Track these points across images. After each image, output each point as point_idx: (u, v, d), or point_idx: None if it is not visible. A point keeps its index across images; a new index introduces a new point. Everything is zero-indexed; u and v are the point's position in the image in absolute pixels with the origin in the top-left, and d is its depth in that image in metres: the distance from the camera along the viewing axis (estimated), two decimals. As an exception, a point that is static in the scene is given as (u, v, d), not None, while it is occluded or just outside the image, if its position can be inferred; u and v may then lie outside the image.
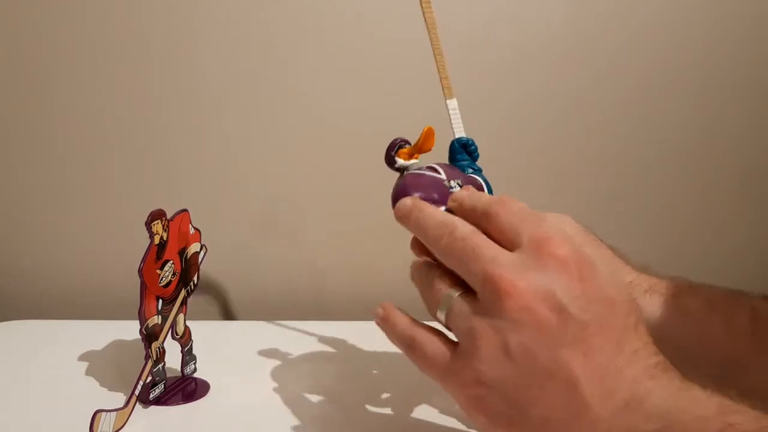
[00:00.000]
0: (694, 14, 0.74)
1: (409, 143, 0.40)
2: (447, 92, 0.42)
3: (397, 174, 0.40)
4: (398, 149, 0.39)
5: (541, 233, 0.30)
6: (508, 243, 0.31)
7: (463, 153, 0.43)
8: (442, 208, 0.36)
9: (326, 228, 0.78)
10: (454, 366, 0.31)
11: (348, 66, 0.73)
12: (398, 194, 0.37)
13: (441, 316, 0.32)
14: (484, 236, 0.32)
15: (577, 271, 0.29)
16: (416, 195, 0.36)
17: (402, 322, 0.34)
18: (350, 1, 0.72)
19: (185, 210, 0.50)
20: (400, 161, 0.39)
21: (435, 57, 0.41)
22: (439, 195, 0.37)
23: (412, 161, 0.39)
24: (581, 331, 0.28)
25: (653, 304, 0.40)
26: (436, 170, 0.39)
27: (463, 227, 0.32)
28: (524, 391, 0.28)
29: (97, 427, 0.43)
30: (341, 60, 0.73)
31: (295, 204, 0.77)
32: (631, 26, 0.74)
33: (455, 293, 0.32)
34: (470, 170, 0.42)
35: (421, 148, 0.39)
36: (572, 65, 0.74)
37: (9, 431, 0.46)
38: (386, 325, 0.35)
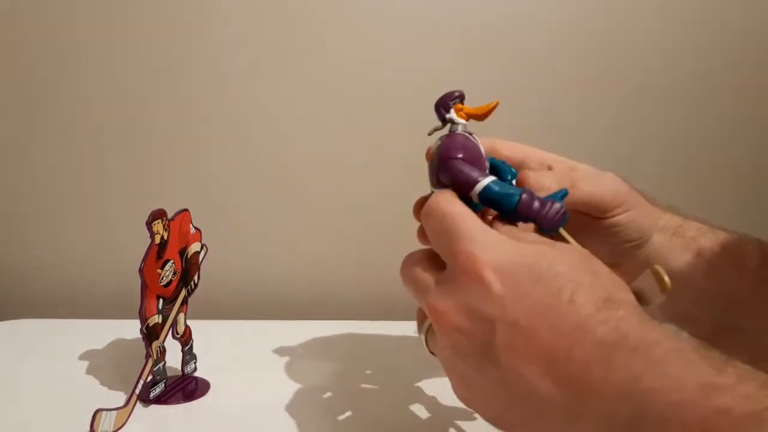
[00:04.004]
0: (695, 14, 0.74)
1: (464, 96, 0.38)
2: None
3: (438, 123, 0.38)
4: (455, 102, 0.37)
5: (454, 250, 0.31)
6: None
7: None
8: (484, 180, 0.34)
9: (327, 228, 0.78)
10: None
11: (348, 69, 0.73)
12: (449, 150, 0.35)
13: (422, 337, 0.35)
14: (420, 268, 0.34)
15: (495, 275, 0.29)
16: (460, 156, 0.35)
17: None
18: (350, 6, 0.72)
19: (186, 210, 0.50)
20: (453, 115, 0.37)
21: None
22: (480, 167, 0.36)
23: (463, 121, 0.37)
24: (512, 329, 0.28)
25: (674, 247, 0.42)
26: (476, 142, 0.37)
27: (410, 257, 0.35)
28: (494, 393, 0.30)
29: (98, 425, 0.43)
30: (343, 63, 0.73)
31: (295, 204, 0.77)
32: (631, 27, 0.74)
33: (427, 324, 0.34)
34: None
35: (480, 116, 0.37)
36: (571, 67, 0.75)
37: (9, 430, 0.46)
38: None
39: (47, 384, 0.53)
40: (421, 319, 0.35)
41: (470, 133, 0.37)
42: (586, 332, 0.26)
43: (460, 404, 0.49)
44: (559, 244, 0.31)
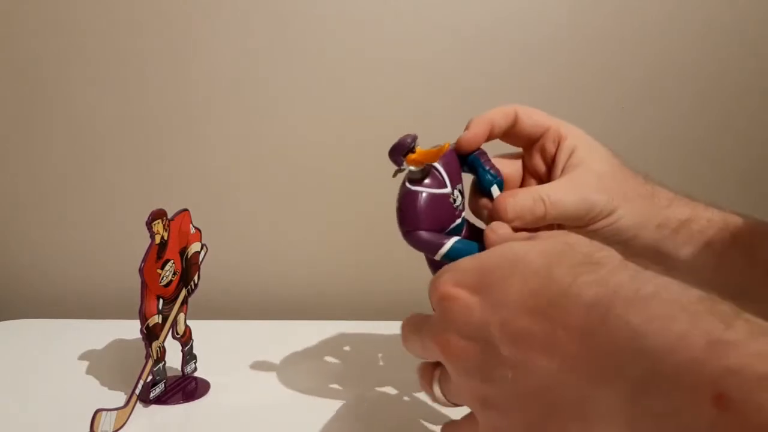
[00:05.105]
0: (696, 11, 0.74)
1: (417, 138, 0.39)
2: None
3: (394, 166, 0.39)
4: (408, 152, 0.38)
5: (431, 290, 0.32)
6: None
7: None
8: (444, 248, 0.37)
9: (326, 227, 0.78)
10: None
11: (348, 67, 0.73)
12: (410, 223, 0.37)
13: (437, 392, 0.35)
14: (417, 319, 0.34)
15: (462, 287, 0.30)
16: (420, 226, 0.37)
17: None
18: (350, 4, 0.72)
19: (186, 210, 0.50)
20: (406, 166, 0.38)
21: None
22: (446, 218, 0.38)
23: (418, 168, 0.39)
24: (504, 325, 0.28)
25: (676, 241, 0.41)
26: (440, 177, 0.38)
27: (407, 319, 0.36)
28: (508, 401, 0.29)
29: (98, 426, 0.43)
30: (342, 61, 0.73)
31: (296, 204, 0.77)
32: (631, 27, 0.74)
33: (437, 372, 0.34)
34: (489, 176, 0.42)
35: (432, 160, 0.38)
36: (574, 66, 0.75)
37: (9, 430, 0.46)
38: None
39: (47, 384, 0.53)
40: (426, 376, 0.35)
41: (430, 176, 0.38)
42: (575, 297, 0.26)
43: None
44: (530, 239, 0.32)
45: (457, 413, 0.38)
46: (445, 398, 0.34)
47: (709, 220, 0.42)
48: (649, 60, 0.75)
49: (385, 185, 0.40)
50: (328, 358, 0.59)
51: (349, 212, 0.77)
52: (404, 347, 0.35)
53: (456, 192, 0.39)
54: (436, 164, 0.38)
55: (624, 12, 0.73)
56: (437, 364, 0.34)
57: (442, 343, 0.31)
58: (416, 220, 0.37)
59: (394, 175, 0.39)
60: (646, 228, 0.42)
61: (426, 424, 0.47)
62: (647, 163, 0.45)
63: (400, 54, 0.73)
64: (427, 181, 0.38)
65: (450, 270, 0.32)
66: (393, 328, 0.66)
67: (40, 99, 0.73)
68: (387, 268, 0.77)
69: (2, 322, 0.68)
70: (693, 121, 0.77)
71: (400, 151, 0.38)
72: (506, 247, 0.31)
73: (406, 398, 0.51)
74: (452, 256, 0.36)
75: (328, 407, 0.49)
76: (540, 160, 0.44)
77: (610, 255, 0.28)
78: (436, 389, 0.34)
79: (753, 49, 0.75)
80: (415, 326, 0.34)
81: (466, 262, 0.32)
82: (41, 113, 0.73)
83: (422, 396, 0.51)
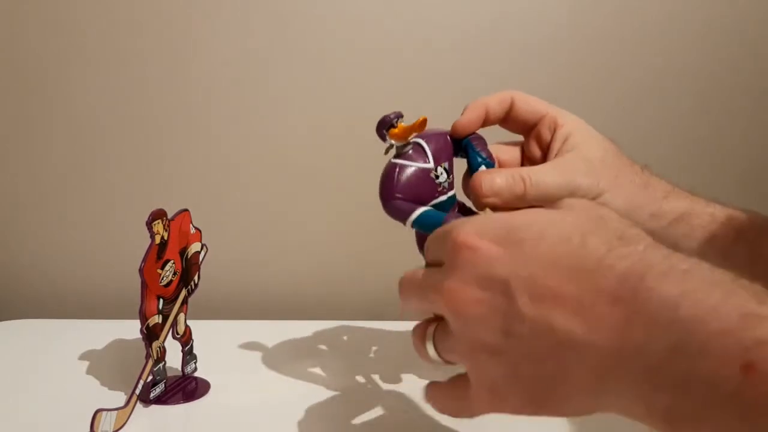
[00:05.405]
0: (697, 10, 0.74)
1: (401, 116, 0.40)
2: None
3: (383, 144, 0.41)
4: (390, 128, 0.40)
5: (442, 239, 0.31)
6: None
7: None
8: (412, 216, 0.38)
9: (326, 227, 0.78)
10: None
11: (348, 67, 0.73)
12: (387, 192, 0.39)
13: (430, 349, 0.34)
14: (420, 272, 0.33)
15: (488, 240, 0.29)
16: (397, 196, 0.39)
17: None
18: (350, 4, 0.72)
19: (186, 210, 0.50)
20: (390, 141, 0.41)
21: None
22: (426, 192, 0.40)
23: (401, 142, 0.41)
24: (529, 281, 0.27)
25: (675, 234, 0.41)
26: (424, 153, 0.40)
27: (408, 273, 0.35)
28: (519, 360, 0.28)
29: (98, 426, 0.43)
30: (342, 61, 0.73)
31: (295, 203, 0.77)
32: (631, 27, 0.74)
33: (431, 328, 0.33)
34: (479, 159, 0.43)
35: (415, 130, 0.40)
36: (574, 66, 0.75)
37: (9, 430, 0.46)
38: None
39: (47, 384, 0.53)
40: (420, 332, 0.34)
41: (413, 149, 0.41)
42: (609, 268, 0.26)
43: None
44: (558, 207, 0.31)
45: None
46: (439, 356, 0.33)
47: (711, 215, 0.42)
48: (649, 60, 0.75)
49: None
50: (329, 358, 0.59)
51: (349, 212, 0.77)
52: (402, 303, 0.34)
53: (440, 169, 0.41)
54: (422, 142, 0.41)
55: (624, 12, 0.73)
56: (431, 322, 0.33)
57: (451, 291, 0.29)
58: (392, 190, 0.39)
59: (386, 151, 0.41)
60: (637, 215, 0.41)
61: (426, 422, 0.47)
62: (647, 163, 0.45)
63: (400, 54, 0.73)
64: (409, 154, 0.40)
65: (471, 222, 0.31)
66: (393, 327, 0.67)
67: (40, 99, 0.73)
68: (386, 268, 0.77)
69: (2, 322, 0.68)
70: (693, 121, 0.77)
71: (383, 126, 0.40)
72: (536, 210, 0.31)
73: (406, 397, 0.51)
74: (422, 222, 0.38)
75: (328, 407, 0.49)
76: (536, 146, 0.45)
77: (641, 234, 0.28)
78: (429, 346, 0.33)
79: (753, 49, 0.75)
80: (417, 279, 0.33)
81: (489, 217, 0.32)
82: (41, 113, 0.73)
83: (422, 395, 0.51)
